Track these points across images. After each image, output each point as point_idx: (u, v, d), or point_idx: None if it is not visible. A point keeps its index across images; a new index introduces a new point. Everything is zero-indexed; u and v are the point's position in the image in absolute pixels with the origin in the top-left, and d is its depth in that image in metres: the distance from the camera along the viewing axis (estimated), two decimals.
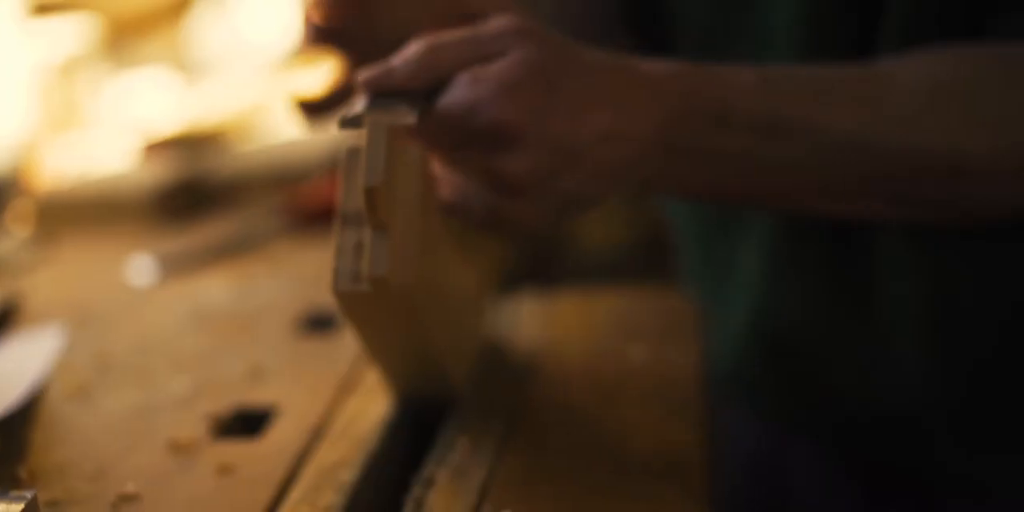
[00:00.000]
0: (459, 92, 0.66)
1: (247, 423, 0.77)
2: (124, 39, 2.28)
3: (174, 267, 1.09)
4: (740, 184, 0.72)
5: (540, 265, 1.64)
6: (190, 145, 1.46)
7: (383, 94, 0.66)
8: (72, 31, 1.84)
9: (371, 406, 0.76)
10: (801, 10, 0.80)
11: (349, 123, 0.64)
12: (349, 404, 0.77)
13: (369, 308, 0.66)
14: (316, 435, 0.74)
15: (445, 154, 0.69)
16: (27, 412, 0.80)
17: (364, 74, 0.67)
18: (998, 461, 0.87)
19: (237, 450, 0.73)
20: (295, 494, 0.67)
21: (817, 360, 0.90)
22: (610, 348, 0.83)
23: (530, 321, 0.89)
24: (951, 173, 0.71)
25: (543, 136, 0.65)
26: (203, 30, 2.25)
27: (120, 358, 0.89)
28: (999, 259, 0.81)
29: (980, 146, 0.70)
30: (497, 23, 0.67)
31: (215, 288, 1.03)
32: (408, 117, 0.63)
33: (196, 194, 1.29)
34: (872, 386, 0.88)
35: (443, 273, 0.73)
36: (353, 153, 0.65)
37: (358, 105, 0.66)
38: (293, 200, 1.19)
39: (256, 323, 0.94)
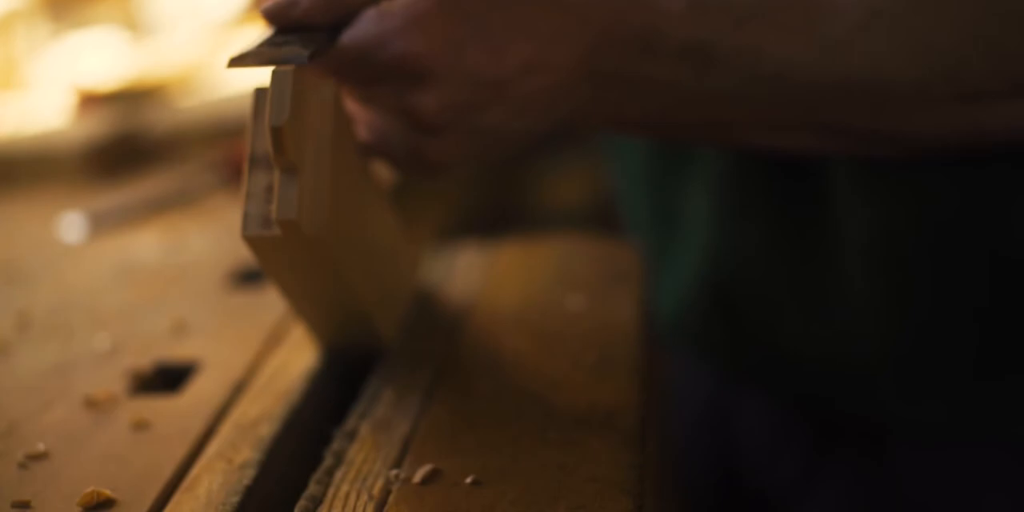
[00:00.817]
0: (365, 25, 0.63)
1: (168, 379, 0.74)
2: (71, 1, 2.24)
3: (105, 223, 1.05)
4: (670, 114, 0.69)
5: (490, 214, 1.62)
6: (127, 100, 1.43)
7: (285, 29, 0.63)
8: None
9: (296, 359, 0.73)
10: None
11: (238, 61, 0.60)
12: (274, 358, 0.74)
13: (282, 254, 0.62)
14: (238, 390, 0.70)
15: (357, 92, 0.66)
16: None
17: (267, 5, 0.64)
18: (946, 406, 0.84)
19: (155, 406, 0.70)
20: (211, 450, 0.63)
21: (767, 305, 0.88)
22: (547, 297, 0.80)
23: (468, 268, 0.86)
24: (881, 102, 0.68)
25: (458, 69, 0.62)
26: None
27: (41, 316, 0.86)
28: (951, 193, 0.79)
29: (910, 74, 0.67)
30: None
31: (145, 244, 1.00)
32: (300, 57, 0.60)
33: (132, 149, 1.26)
34: (822, 331, 0.86)
35: (366, 217, 0.70)
36: (261, 93, 0.62)
37: (254, 41, 0.62)
38: (230, 154, 1.16)
39: (185, 278, 0.91)
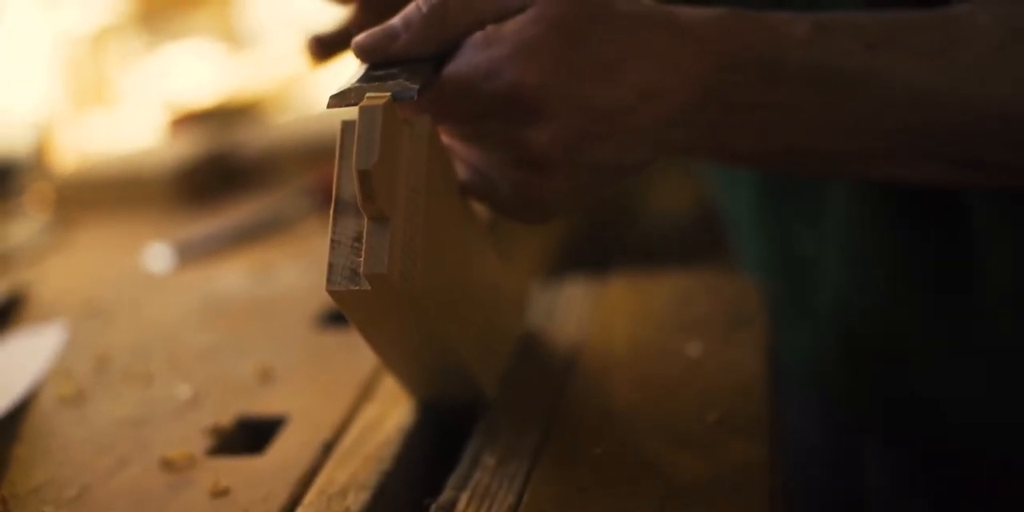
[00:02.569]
0: (471, 55, 0.56)
1: (251, 434, 0.69)
2: (167, 10, 2.21)
3: (192, 254, 1.00)
4: (790, 144, 0.62)
5: (597, 242, 1.55)
6: (219, 119, 1.38)
7: (383, 63, 0.57)
8: (102, 4, 1.76)
9: (390, 413, 0.67)
10: None
11: (339, 100, 0.54)
12: (366, 411, 0.68)
13: (371, 308, 0.56)
14: (326, 450, 0.64)
15: (458, 128, 0.59)
16: (11, 425, 0.72)
17: (360, 39, 0.58)
18: None
19: (236, 468, 0.64)
20: None
21: (901, 352, 0.81)
22: (663, 343, 0.73)
23: (574, 307, 0.80)
24: (1019, 133, 0.61)
25: (570, 100, 0.56)
26: (252, 1, 2.18)
27: (121, 358, 0.81)
28: None
29: None
30: None
31: (232, 276, 0.95)
32: (408, 91, 0.53)
33: (223, 172, 1.21)
34: (963, 379, 0.79)
35: (465, 261, 0.63)
36: (349, 127, 0.55)
37: (352, 76, 0.56)
38: (324, 177, 1.10)
39: (272, 315, 0.86)
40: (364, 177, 0.52)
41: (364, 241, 0.54)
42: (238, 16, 2.22)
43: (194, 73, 1.73)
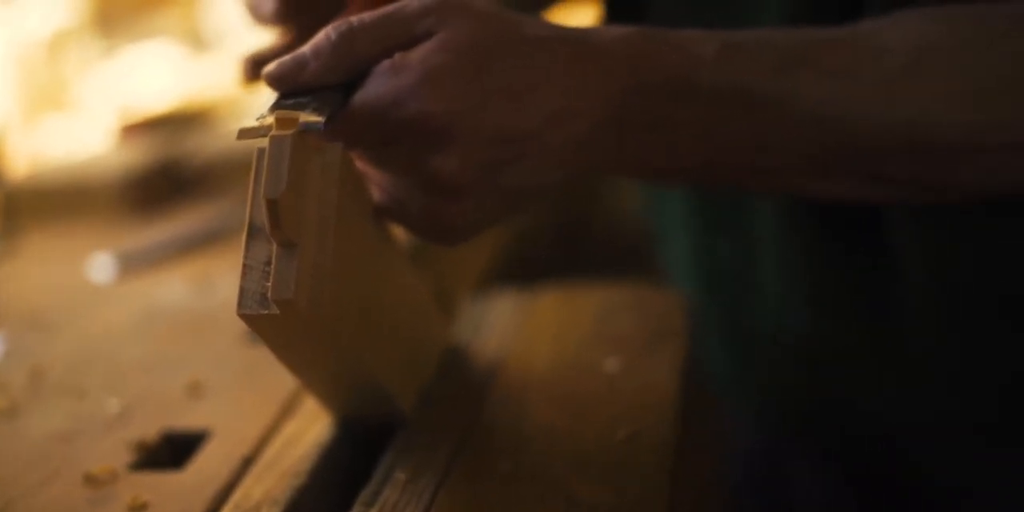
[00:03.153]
0: (379, 84, 0.58)
1: (176, 449, 0.70)
2: (128, 12, 2.21)
3: (135, 264, 1.02)
4: (701, 162, 0.64)
5: (559, 249, 1.56)
6: (172, 126, 1.39)
7: (293, 92, 0.58)
8: (60, 5, 1.76)
9: (310, 429, 0.69)
10: None
11: (248, 133, 0.56)
12: (287, 426, 0.70)
13: (282, 331, 0.58)
14: (246, 464, 0.66)
15: (370, 154, 0.61)
16: None
17: (271, 68, 0.59)
18: (1009, 473, 0.79)
19: (157, 483, 0.65)
20: None
21: (823, 366, 0.82)
22: (583, 356, 0.75)
23: (502, 322, 0.81)
24: (927, 149, 0.62)
25: (477, 127, 0.57)
26: (216, 1, 2.17)
27: (57, 372, 0.82)
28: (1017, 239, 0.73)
29: (959, 119, 0.62)
30: (420, 0, 0.59)
31: (172, 287, 0.96)
32: (315, 124, 0.55)
33: (172, 180, 1.22)
34: (887, 395, 0.80)
35: (380, 283, 0.65)
36: (261, 156, 0.57)
37: (264, 106, 0.58)
38: None
39: (209, 327, 0.87)
40: (272, 205, 0.54)
41: (272, 267, 0.55)
42: (203, 17, 2.22)
43: (153, 77, 1.74)
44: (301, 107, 0.57)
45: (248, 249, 0.57)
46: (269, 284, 0.55)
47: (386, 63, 0.58)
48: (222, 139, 1.32)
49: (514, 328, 0.80)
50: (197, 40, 2.13)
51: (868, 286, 0.78)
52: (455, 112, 0.57)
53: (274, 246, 0.56)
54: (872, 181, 0.65)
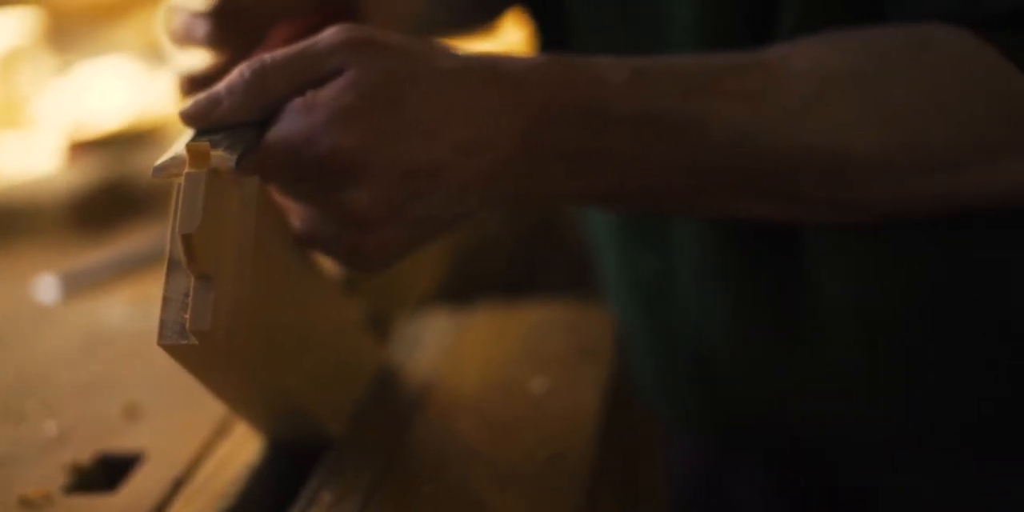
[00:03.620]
0: (290, 122, 0.59)
1: (110, 472, 0.72)
2: (83, 26, 2.20)
3: (80, 285, 1.03)
4: (618, 187, 0.65)
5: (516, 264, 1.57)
6: (120, 144, 1.40)
7: (208, 129, 0.60)
8: (10, 25, 1.76)
9: (242, 451, 0.70)
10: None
11: (160, 170, 0.57)
12: (220, 448, 0.71)
13: (204, 361, 0.59)
14: (176, 487, 0.68)
15: (285, 189, 0.63)
16: None
17: (185, 107, 0.61)
18: (935, 482, 0.81)
19: (90, 506, 0.67)
20: None
21: (749, 379, 0.84)
22: (511, 377, 0.77)
23: (435, 343, 0.83)
24: (840, 171, 0.64)
25: (387, 162, 0.59)
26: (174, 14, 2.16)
27: None
28: (936, 257, 0.75)
29: (869, 142, 0.63)
30: (330, 36, 0.60)
31: (114, 309, 0.97)
32: (227, 161, 0.57)
33: (119, 200, 1.23)
34: (807, 402, 0.82)
35: (303, 310, 0.67)
36: (178, 190, 0.58)
37: (177, 146, 0.59)
38: None
39: (148, 350, 0.87)
40: (187, 240, 0.55)
41: (190, 299, 0.57)
42: (161, 31, 2.21)
43: (108, 93, 1.74)
44: (216, 144, 0.58)
45: (168, 281, 0.58)
46: (187, 315, 0.57)
47: (298, 101, 0.60)
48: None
49: (446, 348, 0.81)
50: (155, 54, 2.12)
51: (785, 298, 0.79)
52: (364, 148, 0.58)
53: (192, 279, 0.57)
54: (789, 202, 0.67)
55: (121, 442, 0.74)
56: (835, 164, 0.64)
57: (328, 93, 0.59)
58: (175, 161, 0.57)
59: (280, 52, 0.60)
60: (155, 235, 1.12)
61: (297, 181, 0.61)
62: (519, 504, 0.62)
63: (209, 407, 0.75)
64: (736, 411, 0.87)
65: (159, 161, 0.58)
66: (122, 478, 0.70)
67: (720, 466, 0.93)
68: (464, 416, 0.72)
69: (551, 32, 0.88)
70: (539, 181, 0.64)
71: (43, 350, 0.91)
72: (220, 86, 0.60)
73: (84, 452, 0.73)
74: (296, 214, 0.65)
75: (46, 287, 1.03)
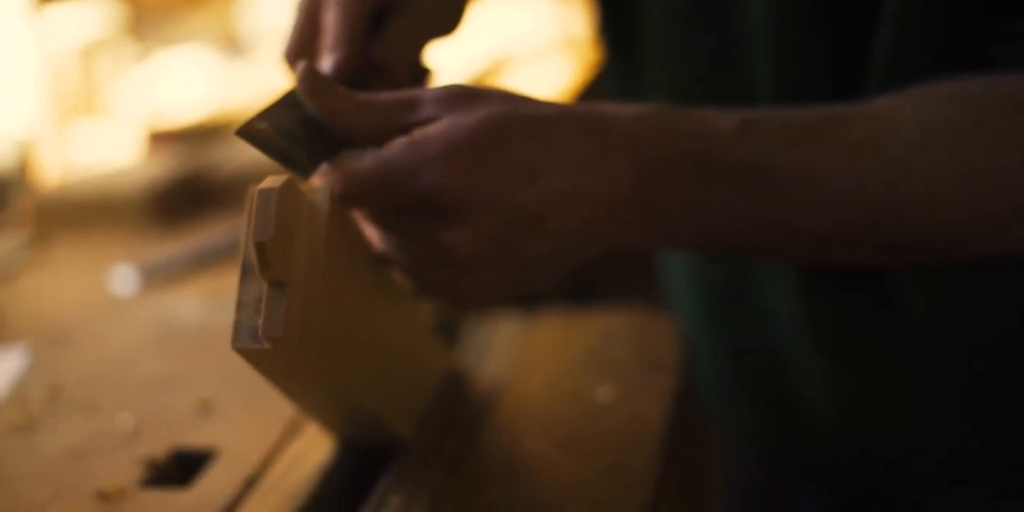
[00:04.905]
0: (397, 152, 0.60)
1: (184, 467, 0.73)
2: (162, 15, 2.23)
3: (155, 277, 1.05)
4: (722, 237, 0.65)
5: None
6: (197, 136, 1.42)
7: (307, 118, 0.61)
8: (93, 14, 1.79)
9: (314, 451, 0.72)
10: (777, 44, 0.73)
11: (247, 131, 0.61)
12: (292, 447, 0.73)
13: (276, 365, 0.61)
14: (250, 484, 0.69)
15: (378, 218, 0.63)
16: None
17: (302, 70, 0.62)
18: (1008, 503, 0.81)
19: (164, 500, 0.69)
20: None
21: (825, 399, 0.84)
22: (577, 385, 0.77)
23: (502, 347, 0.84)
24: (942, 223, 0.64)
25: (493, 204, 0.59)
26: (252, 4, 2.18)
27: (72, 387, 0.85)
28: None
29: (970, 195, 0.63)
30: (433, 89, 0.62)
31: (188, 302, 0.99)
32: (304, 171, 0.61)
33: (197, 192, 1.25)
34: (883, 426, 0.83)
35: (374, 315, 0.68)
36: (252, 199, 0.60)
37: (274, 110, 0.62)
38: None
39: (220, 345, 0.89)
40: (260, 248, 0.57)
41: (263, 305, 0.58)
42: (238, 20, 2.23)
43: (186, 83, 1.76)
44: (297, 145, 0.60)
45: (242, 285, 0.60)
46: (260, 321, 0.58)
47: (404, 138, 0.60)
48: (247, 152, 1.34)
49: (513, 354, 0.82)
50: (232, 44, 2.15)
51: (871, 319, 0.79)
52: (471, 189, 0.59)
53: (265, 285, 0.59)
54: (886, 250, 0.67)
55: (194, 437, 0.76)
56: (938, 218, 0.64)
57: (436, 130, 0.59)
58: (268, 142, 0.61)
59: (386, 94, 0.62)
60: (229, 229, 1.14)
61: (395, 212, 0.62)
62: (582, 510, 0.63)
63: (280, 405, 0.77)
64: (806, 430, 0.87)
65: (253, 117, 0.61)
66: (195, 473, 0.71)
67: (782, 483, 0.93)
68: (530, 424, 0.73)
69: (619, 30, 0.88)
70: (643, 229, 0.64)
71: (117, 342, 0.93)
72: (365, 98, 0.62)
73: (158, 446, 0.74)
74: (374, 233, 0.66)
75: (123, 278, 1.05)
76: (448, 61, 1.56)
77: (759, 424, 0.90)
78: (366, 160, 0.60)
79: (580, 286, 1.28)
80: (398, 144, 0.60)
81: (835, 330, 0.81)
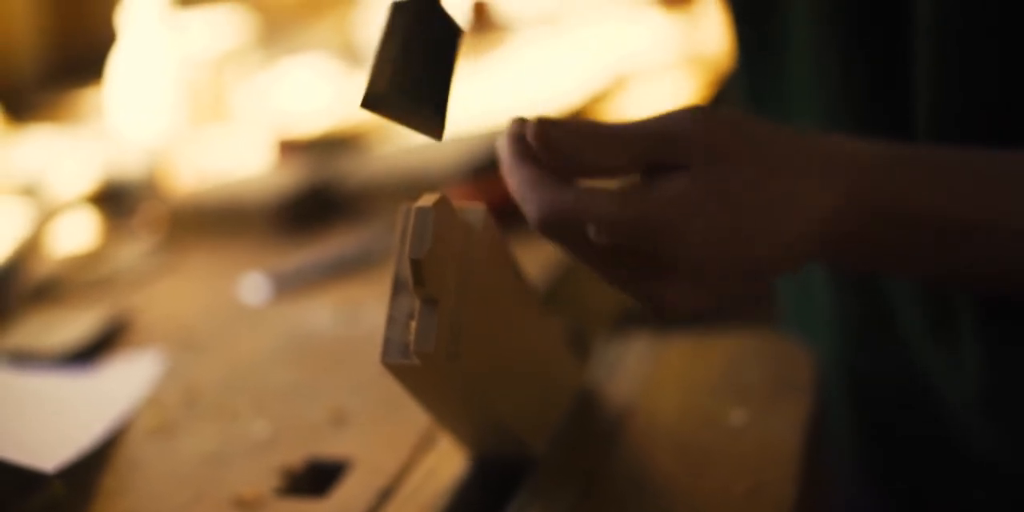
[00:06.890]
0: (623, 203, 0.59)
1: (319, 477, 0.74)
2: (288, 24, 2.27)
3: (286, 286, 1.06)
4: (904, 275, 0.69)
5: None
6: (325, 146, 1.44)
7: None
8: (225, 23, 1.82)
9: (447, 464, 0.73)
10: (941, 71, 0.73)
11: (376, 102, 0.59)
12: (426, 460, 0.73)
13: (422, 380, 0.62)
14: (384, 496, 0.70)
15: (590, 261, 0.63)
16: (102, 454, 0.78)
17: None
18: None
19: (301, 510, 0.70)
20: None
21: (961, 441, 0.83)
22: (709, 407, 0.77)
23: (632, 366, 0.84)
24: None
25: (717, 264, 0.60)
26: (371, 13, 2.20)
27: (209, 392, 0.87)
28: None
29: None
30: (687, 129, 0.60)
31: (320, 312, 1.00)
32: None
33: (324, 202, 1.27)
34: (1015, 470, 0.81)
35: (516, 334, 0.68)
36: (407, 215, 0.60)
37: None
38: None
39: (352, 356, 0.91)
40: (416, 265, 0.58)
41: (415, 321, 0.59)
42: (356, 30, 2.25)
43: (309, 92, 1.79)
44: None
45: (393, 301, 0.61)
46: (411, 337, 0.59)
47: (661, 196, 0.60)
48: (375, 162, 1.36)
49: (645, 373, 0.82)
50: (351, 53, 2.17)
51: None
52: (691, 245, 0.59)
53: (417, 301, 0.59)
54: None
55: (328, 447, 0.77)
56: None
57: (670, 185, 0.59)
58: (417, 118, 0.60)
59: (638, 125, 0.61)
60: (357, 240, 1.15)
61: (607, 256, 0.62)
62: None
63: (413, 418, 0.78)
64: (931, 471, 0.86)
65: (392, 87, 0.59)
66: (329, 484, 0.72)
67: None
68: (662, 444, 0.73)
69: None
70: (823, 261, 0.68)
71: (249, 349, 0.95)
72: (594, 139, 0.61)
73: (293, 455, 0.76)
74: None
75: (254, 286, 1.06)
76: (568, 79, 1.56)
77: (881, 464, 0.89)
78: (627, 211, 0.59)
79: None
80: (632, 189, 0.60)
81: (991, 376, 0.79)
